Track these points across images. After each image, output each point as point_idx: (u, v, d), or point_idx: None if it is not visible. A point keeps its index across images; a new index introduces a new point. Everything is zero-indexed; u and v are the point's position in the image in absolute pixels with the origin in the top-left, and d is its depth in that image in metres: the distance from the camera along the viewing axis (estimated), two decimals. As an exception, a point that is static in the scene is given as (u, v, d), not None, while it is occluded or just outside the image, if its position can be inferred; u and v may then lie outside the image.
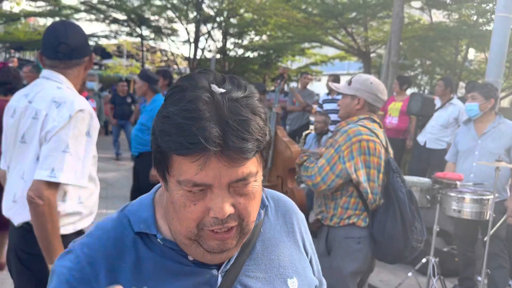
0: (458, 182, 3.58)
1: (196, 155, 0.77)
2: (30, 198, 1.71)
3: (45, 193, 1.70)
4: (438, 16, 13.19)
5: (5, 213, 1.93)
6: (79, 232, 1.95)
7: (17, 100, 1.95)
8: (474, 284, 4.09)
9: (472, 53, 13.89)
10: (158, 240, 0.89)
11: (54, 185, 1.74)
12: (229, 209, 0.81)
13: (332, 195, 2.60)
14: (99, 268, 0.86)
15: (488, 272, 3.65)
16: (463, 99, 6.19)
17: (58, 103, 1.79)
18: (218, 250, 0.85)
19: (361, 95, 2.63)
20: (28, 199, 1.72)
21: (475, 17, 11.19)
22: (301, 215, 1.10)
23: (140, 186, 4.77)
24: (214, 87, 0.80)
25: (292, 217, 1.06)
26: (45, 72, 1.94)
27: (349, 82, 2.68)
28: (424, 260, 3.90)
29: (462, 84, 12.71)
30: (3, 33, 17.46)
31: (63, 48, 1.88)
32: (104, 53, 21.60)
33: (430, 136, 5.98)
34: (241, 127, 0.78)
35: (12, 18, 16.68)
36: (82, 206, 1.91)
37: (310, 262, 1.09)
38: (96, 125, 1.88)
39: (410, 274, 3.95)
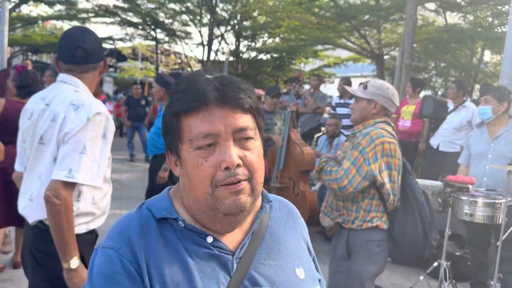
0: (470, 186, 3.56)
1: (201, 109, 0.92)
2: (47, 197, 1.76)
3: (62, 193, 1.76)
4: (453, 18, 13.09)
5: (20, 211, 1.98)
6: (92, 232, 2.00)
7: (34, 103, 2.00)
8: (487, 288, 4.05)
9: (487, 55, 13.74)
10: (179, 223, 0.97)
11: (71, 185, 1.80)
12: (237, 159, 0.92)
13: (353, 198, 2.61)
14: (135, 248, 0.93)
15: (500, 276, 3.62)
16: (477, 102, 6.14)
17: (76, 106, 1.85)
18: (235, 210, 0.93)
19: (377, 100, 2.66)
20: (45, 198, 1.77)
21: (490, 19, 11.08)
22: (303, 221, 1.18)
23: (155, 186, 4.87)
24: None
25: (295, 218, 1.16)
26: (61, 76, 1.99)
27: (365, 87, 2.70)
28: (435, 264, 3.88)
29: (478, 86, 12.58)
30: (21, 36, 17.77)
31: (80, 52, 1.94)
32: (119, 55, 21.86)
33: (443, 139, 5.94)
34: (233, 85, 0.95)
35: (30, 21, 16.98)
36: (96, 207, 1.96)
37: (313, 260, 1.15)
38: (112, 128, 1.93)
39: (421, 277, 3.93)
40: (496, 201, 3.42)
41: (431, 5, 11.61)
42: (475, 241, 4.09)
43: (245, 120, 0.95)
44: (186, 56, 18.91)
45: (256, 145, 0.97)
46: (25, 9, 16.81)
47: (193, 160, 0.93)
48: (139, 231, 0.96)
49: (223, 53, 16.87)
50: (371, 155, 2.51)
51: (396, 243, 2.60)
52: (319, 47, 15.99)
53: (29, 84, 3.70)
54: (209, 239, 0.97)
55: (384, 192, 2.58)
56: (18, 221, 3.65)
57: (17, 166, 2.14)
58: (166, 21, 17.05)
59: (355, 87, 2.74)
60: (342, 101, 7.31)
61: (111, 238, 0.96)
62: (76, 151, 1.79)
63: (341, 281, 2.63)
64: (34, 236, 1.93)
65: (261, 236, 1.03)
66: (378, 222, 2.60)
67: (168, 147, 1.00)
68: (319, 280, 1.11)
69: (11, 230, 4.33)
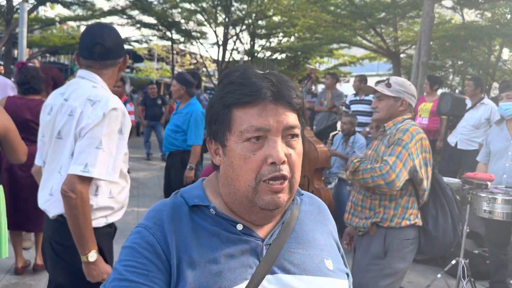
0: (489, 183, 3.51)
1: (256, 103, 0.95)
2: (64, 191, 1.79)
3: (78, 187, 1.78)
4: (470, 15, 12.91)
5: (41, 206, 2.01)
6: (111, 226, 2.03)
7: (53, 98, 2.04)
8: (506, 287, 3.99)
9: (506, 53, 13.51)
10: (211, 210, 1.01)
11: (87, 180, 1.82)
12: (284, 156, 0.95)
13: (390, 196, 2.60)
14: (166, 230, 0.97)
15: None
16: (495, 100, 6.05)
17: (93, 101, 1.87)
18: (272, 206, 0.97)
19: (404, 97, 2.67)
20: (61, 192, 1.80)
21: (509, 16, 10.90)
22: (332, 219, 1.20)
23: (172, 182, 4.93)
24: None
25: (325, 214, 1.18)
26: (80, 72, 2.02)
27: (388, 84, 2.69)
28: (453, 262, 3.83)
29: (495, 84, 12.40)
30: (39, 37, 18.05)
31: (98, 49, 1.96)
32: (135, 56, 22.06)
33: (461, 137, 5.87)
34: (285, 83, 0.98)
35: (47, 23, 17.24)
36: (113, 201, 1.98)
37: (342, 256, 1.16)
38: (128, 123, 1.95)
39: (439, 275, 3.89)
40: (516, 198, 3.38)
41: (448, 3, 11.47)
42: (494, 239, 4.04)
43: (294, 119, 0.98)
44: (201, 56, 19.00)
45: (299, 143, 1.00)
46: (42, 11, 17.09)
47: (241, 152, 0.95)
48: (171, 215, 1.00)
49: (238, 52, 16.91)
50: (413, 151, 2.50)
51: (430, 238, 2.61)
52: (334, 45, 15.92)
53: (27, 81, 3.69)
54: (239, 227, 1.00)
55: (421, 188, 2.58)
56: (24, 225, 3.70)
57: (37, 161, 2.17)
58: (182, 21, 17.16)
59: (378, 86, 2.72)
60: (357, 98, 7.27)
61: (145, 219, 1.01)
62: (92, 146, 1.80)
63: (375, 280, 2.61)
64: (54, 229, 1.96)
65: (291, 226, 1.05)
66: (416, 219, 2.60)
67: (213, 135, 1.01)
68: (347, 275, 1.12)
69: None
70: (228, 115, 0.97)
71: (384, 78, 2.92)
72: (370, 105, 6.67)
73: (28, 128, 3.51)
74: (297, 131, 0.99)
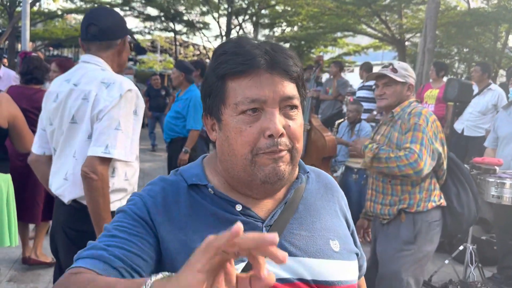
0: (497, 168, 3.48)
1: (250, 72, 0.90)
2: (85, 173, 1.79)
3: (98, 168, 1.79)
4: (476, 1, 12.77)
5: (54, 191, 2.00)
6: None
7: (58, 85, 2.02)
8: (515, 273, 3.97)
9: (512, 39, 13.37)
10: (209, 189, 0.97)
11: (107, 161, 1.82)
12: (281, 128, 0.90)
13: (411, 181, 2.58)
14: (158, 204, 0.96)
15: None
16: (503, 86, 5.99)
17: (106, 83, 1.86)
18: (273, 178, 0.92)
19: (410, 81, 2.67)
20: (82, 174, 1.80)
21: (515, 1, 10.77)
22: (342, 192, 1.15)
23: (172, 167, 4.95)
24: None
25: (333, 191, 1.12)
26: (83, 57, 2.01)
27: (394, 70, 2.65)
28: (461, 248, 3.82)
29: (502, 72, 12.29)
30: (42, 30, 18.04)
31: (92, 29, 1.94)
32: (138, 48, 21.99)
33: (468, 123, 5.82)
34: (282, 51, 0.93)
35: (50, 16, 17.21)
36: (128, 183, 1.98)
37: (352, 234, 1.11)
38: (142, 104, 1.95)
39: (446, 261, 3.88)
40: (525, 182, 3.34)
41: (454, -11, 11.35)
42: (502, 224, 4.01)
43: (292, 88, 0.93)
44: (204, 47, 18.95)
45: (299, 115, 0.95)
46: (44, 4, 17.06)
47: (236, 125, 0.91)
48: (169, 190, 0.98)
49: (242, 42, 16.82)
50: (432, 134, 2.50)
51: (456, 215, 2.64)
52: (339, 34, 15.81)
53: (30, 71, 3.68)
54: (238, 207, 0.95)
55: (441, 169, 2.62)
56: (21, 216, 3.66)
57: (36, 149, 2.12)
58: (184, 11, 17.09)
59: (387, 72, 2.67)
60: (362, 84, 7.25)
61: (142, 190, 1.00)
62: (111, 128, 1.81)
63: (407, 266, 2.61)
64: (68, 214, 1.95)
65: (295, 207, 1.00)
66: (440, 200, 2.63)
67: (208, 110, 0.98)
68: (357, 254, 1.08)
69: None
70: (222, 87, 0.92)
71: (387, 62, 2.87)
72: (371, 91, 6.65)
73: (25, 117, 3.51)
74: (296, 102, 0.94)
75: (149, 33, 18.24)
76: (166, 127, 4.90)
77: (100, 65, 1.95)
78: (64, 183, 1.93)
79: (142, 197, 0.97)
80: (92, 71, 1.93)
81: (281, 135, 0.90)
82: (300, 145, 0.95)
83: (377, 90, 2.74)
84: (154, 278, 0.63)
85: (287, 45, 17.57)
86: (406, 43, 12.80)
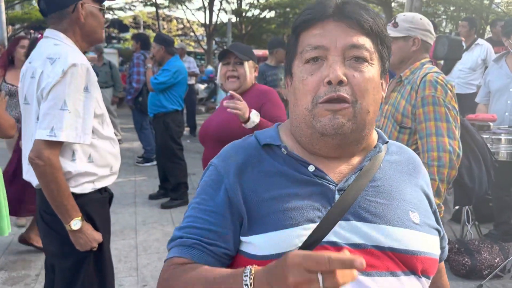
0: (491, 123, 3.41)
1: (316, 23, 0.90)
2: (31, 159, 1.66)
3: (45, 153, 1.65)
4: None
5: (24, 176, 1.91)
6: (101, 191, 1.91)
7: (25, 64, 1.90)
8: (511, 228, 3.96)
9: (499, -6, 13.20)
10: (282, 149, 0.96)
11: (55, 144, 1.68)
12: (341, 75, 0.86)
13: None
14: (230, 167, 0.95)
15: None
16: (489, 41, 5.87)
17: (52, 59, 1.70)
18: (330, 130, 0.88)
19: (415, 34, 2.25)
20: (29, 160, 1.68)
21: (502, -46, 10.57)
22: (425, 171, 1.07)
23: (157, 143, 4.90)
24: None
25: (416, 166, 1.04)
26: (46, 32, 1.86)
27: (395, 24, 2.28)
28: (457, 207, 3.78)
29: (489, 28, 12.13)
30: (20, 13, 17.54)
31: (41, 4, 1.81)
32: (121, 26, 21.54)
33: (458, 80, 5.72)
34: (357, 3, 0.91)
35: (26, -3, 16.70)
36: (94, 166, 1.84)
37: (434, 213, 1.02)
38: (94, 79, 1.77)
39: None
40: (520, 136, 3.28)
41: None
42: (497, 180, 3.96)
43: (361, 40, 0.88)
44: (188, 21, 18.56)
45: (370, 70, 0.89)
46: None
47: (300, 75, 0.91)
48: (241, 152, 0.97)
49: (226, 13, 16.47)
50: (450, 107, 2.11)
51: (466, 190, 2.42)
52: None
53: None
54: (311, 168, 0.93)
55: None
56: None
57: None
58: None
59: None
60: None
61: (216, 157, 1.00)
62: (56, 108, 1.65)
63: None
64: (41, 199, 1.85)
65: (371, 174, 0.94)
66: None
67: (288, 70, 0.97)
68: (439, 233, 0.99)
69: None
70: (296, 40, 0.94)
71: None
72: None
73: None
74: (365, 53, 0.88)
75: (130, 9, 17.80)
76: (149, 102, 4.83)
77: (57, 39, 1.79)
78: (29, 168, 1.81)
79: (216, 166, 0.97)
80: (44, 47, 1.78)
81: (341, 83, 0.86)
82: (366, 102, 0.89)
83: None
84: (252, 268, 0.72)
85: (272, 13, 17.29)
86: (393, 4, 12.59)
